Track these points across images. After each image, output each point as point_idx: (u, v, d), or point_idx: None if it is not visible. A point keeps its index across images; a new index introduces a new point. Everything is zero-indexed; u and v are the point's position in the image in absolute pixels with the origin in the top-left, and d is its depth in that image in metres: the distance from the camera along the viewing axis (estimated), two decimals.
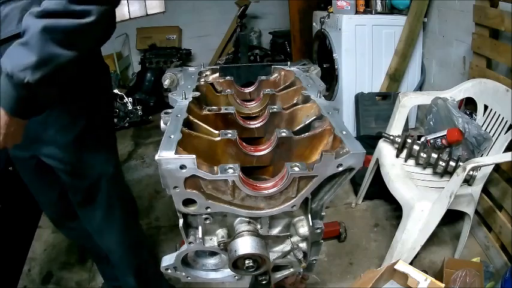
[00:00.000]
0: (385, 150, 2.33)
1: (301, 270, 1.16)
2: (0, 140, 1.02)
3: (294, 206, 0.93)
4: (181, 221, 0.97)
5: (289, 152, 0.98)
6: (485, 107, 2.22)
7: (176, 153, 0.80)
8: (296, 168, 0.87)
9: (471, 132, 2.11)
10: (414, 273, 1.49)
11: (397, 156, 2.27)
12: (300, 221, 1.03)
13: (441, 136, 2.22)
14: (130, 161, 3.84)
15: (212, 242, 1.03)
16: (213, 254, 1.14)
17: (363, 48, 3.39)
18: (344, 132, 0.91)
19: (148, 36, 5.90)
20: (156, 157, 0.79)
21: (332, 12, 3.50)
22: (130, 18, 6.09)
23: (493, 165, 2.03)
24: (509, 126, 2.00)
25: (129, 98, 4.61)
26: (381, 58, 3.47)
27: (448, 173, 2.11)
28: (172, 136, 0.86)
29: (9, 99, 0.97)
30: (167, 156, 0.79)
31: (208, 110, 1.12)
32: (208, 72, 1.45)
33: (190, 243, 1.02)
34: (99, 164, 1.49)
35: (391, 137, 2.29)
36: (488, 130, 2.14)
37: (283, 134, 0.96)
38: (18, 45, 0.95)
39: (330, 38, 3.55)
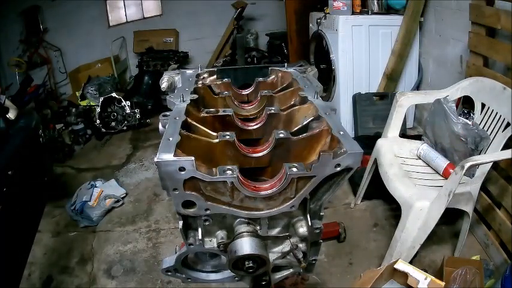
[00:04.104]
0: (384, 150, 2.33)
1: (301, 271, 1.16)
2: None
3: (293, 206, 0.93)
4: (180, 223, 0.98)
5: (288, 153, 0.98)
6: (483, 105, 2.23)
7: (175, 155, 0.80)
8: (294, 169, 0.87)
9: (469, 136, 2.11)
10: (414, 272, 1.49)
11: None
12: (299, 221, 1.04)
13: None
14: (129, 164, 3.84)
15: (212, 243, 1.03)
16: (213, 255, 1.15)
17: (360, 49, 3.40)
18: (341, 133, 0.91)
19: (146, 39, 5.90)
20: (155, 159, 0.79)
21: (328, 13, 3.50)
22: (127, 22, 6.10)
23: (491, 163, 2.03)
24: (506, 124, 2.00)
25: (127, 102, 4.62)
26: (378, 58, 3.47)
27: None
28: (170, 139, 0.86)
29: None
30: (166, 158, 0.80)
31: (206, 112, 1.12)
32: (205, 75, 1.45)
33: (190, 245, 1.02)
34: None
35: None
36: (485, 128, 2.15)
37: (281, 135, 0.96)
38: None
39: (326, 39, 3.55)
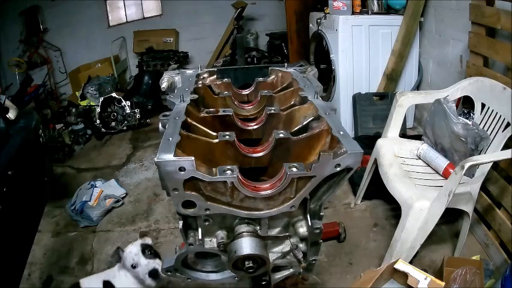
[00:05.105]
0: (384, 150, 2.33)
1: (301, 271, 1.16)
2: None
3: (293, 206, 0.93)
4: (181, 223, 0.98)
5: (288, 153, 0.98)
6: (483, 105, 2.23)
7: (175, 155, 0.80)
8: (294, 169, 0.87)
9: (469, 136, 2.11)
10: (414, 272, 1.49)
11: None
12: (299, 221, 1.04)
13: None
14: (129, 164, 3.84)
15: (212, 243, 1.03)
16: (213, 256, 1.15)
17: (360, 49, 3.40)
18: (341, 133, 0.91)
19: (146, 39, 5.90)
20: (155, 159, 0.79)
21: (328, 13, 3.50)
22: (127, 22, 6.11)
23: (491, 163, 2.03)
24: (506, 124, 2.00)
25: (127, 102, 4.62)
26: (378, 58, 3.47)
27: None
28: (171, 139, 0.86)
29: None
30: (166, 158, 0.80)
31: (206, 112, 1.12)
32: (205, 75, 1.45)
33: (190, 245, 1.02)
34: None
35: None
36: (485, 128, 2.15)
37: (281, 135, 0.96)
38: None
39: (326, 39, 3.55)
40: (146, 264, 1.57)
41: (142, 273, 1.57)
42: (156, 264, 1.58)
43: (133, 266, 1.60)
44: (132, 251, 1.62)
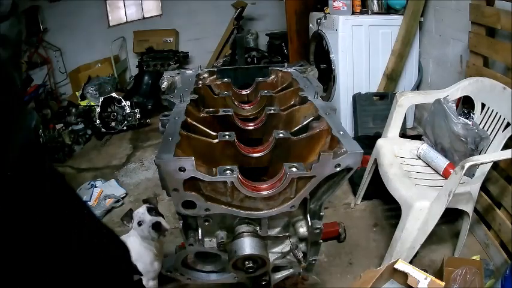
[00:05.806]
0: (384, 150, 2.33)
1: (301, 271, 1.16)
2: None
3: (293, 206, 0.93)
4: (181, 223, 0.98)
5: (287, 153, 0.98)
6: (483, 105, 2.23)
7: (175, 155, 0.80)
8: (294, 169, 0.87)
9: (469, 136, 2.11)
10: (414, 272, 1.49)
11: None
12: (299, 221, 1.04)
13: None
14: (129, 164, 3.84)
15: (212, 243, 1.03)
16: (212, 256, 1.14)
17: (360, 49, 3.40)
18: (341, 133, 0.91)
19: (145, 39, 5.90)
20: (155, 160, 0.80)
21: (328, 13, 3.50)
22: (127, 22, 6.10)
23: (491, 163, 2.03)
24: (506, 124, 2.00)
25: (127, 102, 4.62)
26: (378, 58, 3.47)
27: None
28: (170, 139, 0.86)
29: None
30: (166, 158, 0.80)
31: (206, 112, 1.12)
32: (205, 75, 1.46)
33: (190, 245, 1.02)
34: None
35: None
36: (485, 128, 2.15)
37: (281, 135, 0.96)
38: None
39: (326, 39, 3.55)
40: (150, 219, 1.75)
41: (147, 228, 1.74)
42: (159, 219, 1.76)
43: (139, 224, 1.78)
44: (139, 211, 1.83)
